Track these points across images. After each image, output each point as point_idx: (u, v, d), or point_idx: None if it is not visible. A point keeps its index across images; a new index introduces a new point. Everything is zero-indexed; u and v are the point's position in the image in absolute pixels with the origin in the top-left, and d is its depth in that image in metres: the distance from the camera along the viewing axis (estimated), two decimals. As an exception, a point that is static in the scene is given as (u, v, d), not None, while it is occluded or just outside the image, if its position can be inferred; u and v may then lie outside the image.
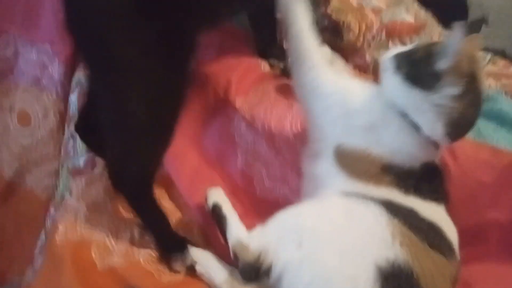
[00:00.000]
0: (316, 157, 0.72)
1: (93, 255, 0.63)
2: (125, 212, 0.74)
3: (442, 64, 0.60)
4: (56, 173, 1.15)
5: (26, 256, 1.17)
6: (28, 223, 1.20)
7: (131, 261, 0.63)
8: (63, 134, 1.09)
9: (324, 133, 0.71)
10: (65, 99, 1.07)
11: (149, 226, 0.71)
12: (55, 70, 1.05)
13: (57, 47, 1.03)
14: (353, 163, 0.68)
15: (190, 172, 0.83)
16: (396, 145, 0.67)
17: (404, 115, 0.65)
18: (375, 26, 1.08)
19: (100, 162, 0.87)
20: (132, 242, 0.68)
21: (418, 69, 0.63)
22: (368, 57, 1.03)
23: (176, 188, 0.82)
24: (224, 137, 0.85)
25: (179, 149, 0.86)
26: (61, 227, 0.67)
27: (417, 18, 1.16)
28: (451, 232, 0.67)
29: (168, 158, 0.84)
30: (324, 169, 0.71)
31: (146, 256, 0.65)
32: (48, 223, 0.95)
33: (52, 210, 0.97)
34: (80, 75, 1.04)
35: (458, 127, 0.65)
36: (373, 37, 1.08)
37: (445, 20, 1.27)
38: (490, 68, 1.02)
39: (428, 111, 0.63)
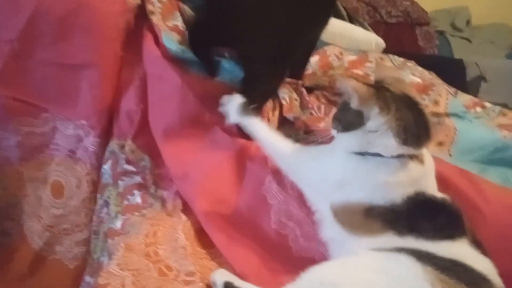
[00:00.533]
0: (322, 223, 0.80)
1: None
2: (169, 271, 0.76)
3: (353, 103, 0.73)
4: (86, 242, 1.18)
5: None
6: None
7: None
8: (95, 203, 1.14)
9: (318, 201, 0.81)
10: (98, 168, 1.13)
11: None
12: (90, 142, 1.12)
13: (93, 121, 1.11)
14: (344, 217, 0.75)
15: (226, 233, 0.86)
16: (371, 181, 0.73)
17: (363, 154, 0.74)
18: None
19: (135, 222, 0.90)
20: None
21: (347, 118, 0.75)
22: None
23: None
24: (256, 198, 0.89)
25: (213, 212, 0.89)
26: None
27: (423, 79, 1.26)
28: (480, 263, 0.67)
29: (204, 221, 0.88)
30: (332, 232, 0.77)
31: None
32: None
33: (87, 278, 0.98)
34: (113, 145, 1.11)
35: (408, 130, 0.71)
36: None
37: (445, 79, 1.38)
38: (501, 119, 1.08)
39: (375, 138, 0.72)
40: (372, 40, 1.88)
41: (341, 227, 0.75)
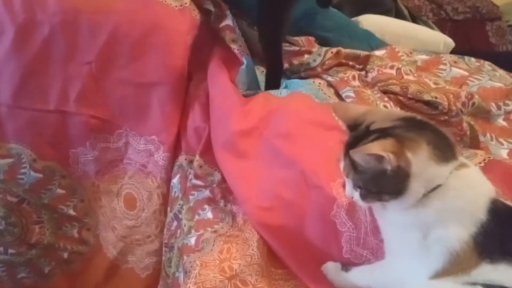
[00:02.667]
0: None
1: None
2: (245, 286, 0.75)
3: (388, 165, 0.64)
4: (156, 253, 1.22)
5: None
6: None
7: None
8: (165, 215, 1.17)
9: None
10: (168, 182, 1.16)
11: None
12: (160, 157, 1.15)
13: (162, 137, 1.14)
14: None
15: (299, 258, 0.83)
16: (447, 211, 0.66)
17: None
18: (463, 93, 1.08)
19: (209, 238, 0.91)
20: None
21: (388, 185, 0.66)
22: (464, 125, 1.03)
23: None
24: (325, 225, 0.83)
25: (280, 237, 0.87)
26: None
27: (505, 83, 1.15)
28: None
29: (273, 245, 0.86)
30: None
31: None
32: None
33: (161, 289, 1.01)
34: (182, 160, 1.14)
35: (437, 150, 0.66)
36: (464, 104, 1.08)
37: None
38: None
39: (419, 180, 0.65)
40: (440, 40, 1.77)
41: None
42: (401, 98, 1.07)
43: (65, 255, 1.26)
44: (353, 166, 0.68)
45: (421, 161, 0.65)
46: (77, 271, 1.29)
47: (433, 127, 0.71)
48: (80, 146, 1.17)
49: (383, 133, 0.67)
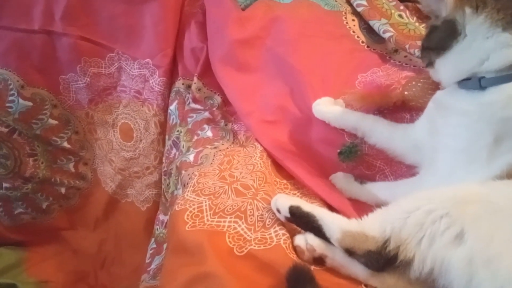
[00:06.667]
0: None
1: (228, 244, 0.59)
2: (246, 189, 0.70)
3: (444, 11, 0.61)
4: (156, 185, 1.17)
5: (125, 274, 1.19)
6: (128, 240, 1.21)
7: (271, 247, 0.58)
8: (163, 145, 1.11)
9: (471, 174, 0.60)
10: (165, 109, 1.10)
11: None
12: (155, 82, 1.08)
13: (157, 60, 1.06)
14: None
15: (305, 167, 0.78)
16: None
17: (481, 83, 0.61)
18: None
19: (209, 154, 0.85)
20: (265, 225, 0.62)
21: (437, 37, 0.64)
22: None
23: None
24: (335, 137, 0.79)
25: (285, 147, 0.82)
26: (188, 220, 0.64)
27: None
28: None
29: (278, 156, 0.81)
30: None
31: (284, 239, 0.59)
32: (158, 229, 0.94)
33: (161, 216, 0.96)
34: (179, 85, 1.07)
35: None
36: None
37: None
38: None
39: (480, 47, 0.60)
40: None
41: None
42: (420, 6, 0.97)
43: (63, 190, 1.22)
44: None
45: (480, 23, 0.57)
46: (76, 206, 1.25)
47: None
48: (70, 71, 1.10)
49: None
